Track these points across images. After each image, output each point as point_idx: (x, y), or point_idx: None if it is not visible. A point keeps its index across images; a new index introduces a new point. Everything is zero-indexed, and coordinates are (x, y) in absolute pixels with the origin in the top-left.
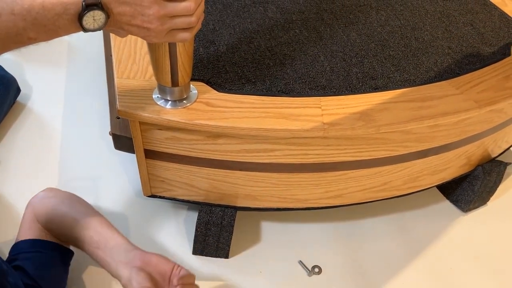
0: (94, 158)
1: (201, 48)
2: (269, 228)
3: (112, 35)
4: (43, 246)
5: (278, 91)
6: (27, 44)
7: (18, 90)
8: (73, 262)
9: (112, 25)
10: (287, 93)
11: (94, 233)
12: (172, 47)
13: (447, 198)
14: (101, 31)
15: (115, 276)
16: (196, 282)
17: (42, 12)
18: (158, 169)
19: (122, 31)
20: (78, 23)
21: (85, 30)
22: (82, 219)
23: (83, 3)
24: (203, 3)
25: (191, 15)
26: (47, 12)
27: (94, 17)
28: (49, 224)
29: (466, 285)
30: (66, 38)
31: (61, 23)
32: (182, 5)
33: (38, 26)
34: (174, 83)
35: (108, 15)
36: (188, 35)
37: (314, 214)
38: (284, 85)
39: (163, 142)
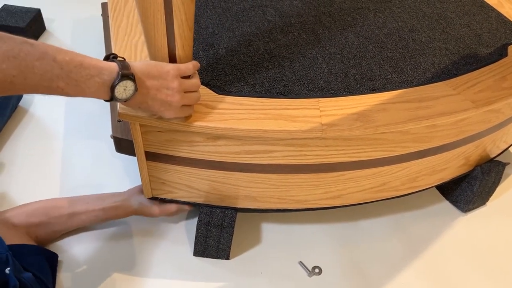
0: (96, 161)
1: (200, 51)
2: (269, 229)
3: (112, 39)
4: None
5: (277, 93)
6: (54, 93)
7: (20, 95)
8: (73, 264)
9: (138, 99)
10: (285, 95)
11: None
12: (171, 51)
13: (447, 198)
14: (102, 33)
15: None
16: (197, 284)
17: (79, 68)
18: (159, 171)
19: (140, 109)
20: (109, 90)
21: (113, 98)
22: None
23: (120, 72)
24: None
25: (197, 91)
26: (83, 70)
27: (126, 88)
28: (33, 218)
29: (465, 285)
30: (67, 42)
31: (91, 84)
32: (193, 81)
33: (70, 79)
34: None
35: (136, 88)
36: (192, 111)
37: (314, 215)
38: (283, 87)
39: (163, 144)
